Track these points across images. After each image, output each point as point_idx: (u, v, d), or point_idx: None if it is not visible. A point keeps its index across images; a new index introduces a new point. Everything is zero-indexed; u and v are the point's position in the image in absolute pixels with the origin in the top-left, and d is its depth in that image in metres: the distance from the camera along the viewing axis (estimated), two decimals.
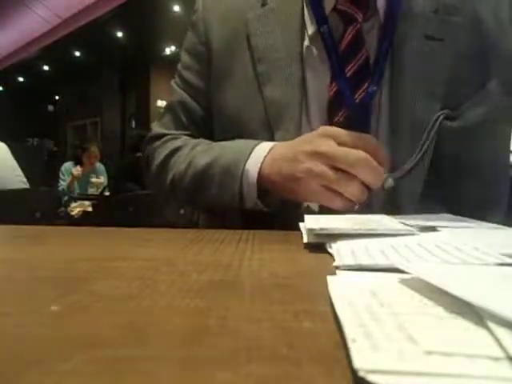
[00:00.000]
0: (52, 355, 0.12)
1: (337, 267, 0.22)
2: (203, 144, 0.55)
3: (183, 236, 0.36)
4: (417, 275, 0.17)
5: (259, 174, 0.46)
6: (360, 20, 0.50)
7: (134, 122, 6.89)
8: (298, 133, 0.50)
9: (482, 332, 0.12)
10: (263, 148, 0.47)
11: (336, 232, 0.28)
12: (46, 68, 7.63)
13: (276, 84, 0.52)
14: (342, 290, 0.17)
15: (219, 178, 0.49)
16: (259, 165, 0.46)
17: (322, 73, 0.52)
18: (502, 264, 0.21)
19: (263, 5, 0.55)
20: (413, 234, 0.29)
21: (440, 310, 0.14)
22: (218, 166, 0.49)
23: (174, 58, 6.50)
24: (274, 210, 0.48)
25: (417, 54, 0.50)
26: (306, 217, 0.34)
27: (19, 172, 1.74)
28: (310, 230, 0.29)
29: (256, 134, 0.52)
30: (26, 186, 1.75)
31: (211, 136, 0.59)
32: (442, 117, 0.49)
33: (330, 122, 0.50)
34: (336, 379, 0.11)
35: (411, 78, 0.50)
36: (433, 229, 0.31)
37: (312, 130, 0.48)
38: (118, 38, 6.15)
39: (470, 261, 0.21)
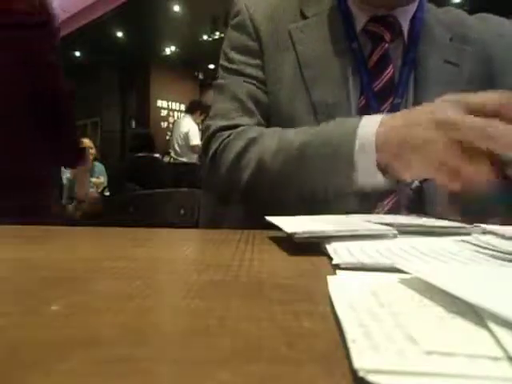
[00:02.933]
0: (52, 355, 0.12)
1: (337, 265, 0.22)
2: (286, 129, 0.52)
3: (183, 236, 0.36)
4: (417, 275, 0.17)
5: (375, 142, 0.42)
6: (388, 40, 0.56)
7: (133, 122, 6.89)
8: None
9: (483, 332, 0.12)
10: (372, 118, 0.44)
11: (320, 235, 0.28)
12: None
13: (323, 90, 0.56)
14: (342, 290, 0.17)
15: (325, 151, 0.45)
16: (375, 130, 0.42)
17: (353, 85, 0.56)
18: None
19: (304, 18, 0.60)
20: (395, 236, 0.30)
21: (440, 310, 0.14)
22: (321, 142, 0.45)
23: (174, 58, 6.51)
24: (388, 187, 0.44)
25: (437, 72, 0.55)
26: (272, 219, 0.34)
27: None
28: (291, 234, 0.29)
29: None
30: None
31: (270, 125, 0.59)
32: None
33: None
34: (336, 379, 0.11)
35: (434, 94, 0.52)
36: (410, 227, 0.32)
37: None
38: (117, 37, 6.15)
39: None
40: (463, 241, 0.27)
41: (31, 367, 0.11)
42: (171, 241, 0.34)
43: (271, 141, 0.51)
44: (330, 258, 0.24)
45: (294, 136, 0.49)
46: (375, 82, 0.55)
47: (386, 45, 0.56)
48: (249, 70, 0.61)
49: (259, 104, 0.59)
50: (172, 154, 3.79)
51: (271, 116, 0.59)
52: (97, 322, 0.15)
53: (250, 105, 0.59)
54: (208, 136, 0.59)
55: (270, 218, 0.36)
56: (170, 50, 6.42)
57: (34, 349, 0.12)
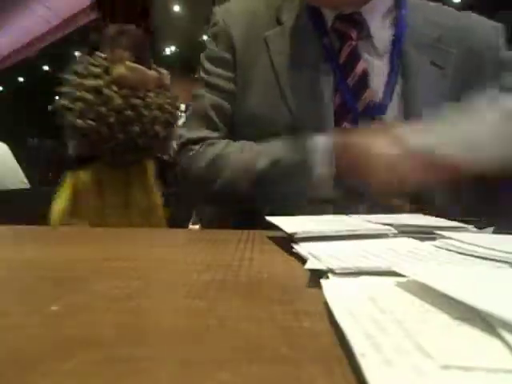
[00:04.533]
0: (52, 355, 0.12)
1: (331, 270, 0.21)
2: (249, 145, 0.58)
3: (183, 236, 0.36)
4: (415, 278, 0.16)
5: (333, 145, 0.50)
6: (354, 38, 0.57)
7: None
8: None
9: (495, 341, 0.12)
10: (326, 144, 0.51)
11: (319, 235, 0.28)
12: (45, 68, 7.62)
13: (298, 97, 0.57)
14: (339, 295, 0.16)
15: (288, 173, 0.52)
16: (331, 137, 0.50)
17: (327, 83, 0.57)
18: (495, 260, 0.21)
19: (279, 23, 0.60)
20: (395, 236, 0.29)
21: (444, 317, 0.14)
22: (281, 165, 0.52)
23: (174, 58, 6.50)
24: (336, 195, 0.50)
25: (425, 76, 0.56)
26: (272, 219, 0.35)
27: (20, 172, 1.74)
28: (291, 234, 0.29)
29: (279, 136, 0.55)
30: (27, 186, 1.75)
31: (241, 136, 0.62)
32: None
33: (337, 127, 0.55)
34: (336, 379, 0.11)
35: (421, 97, 0.55)
36: (409, 227, 0.32)
37: (324, 134, 0.53)
38: None
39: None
40: (435, 246, 0.27)
41: (31, 367, 0.11)
42: (172, 241, 0.34)
43: (234, 164, 0.56)
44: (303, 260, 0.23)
45: (255, 162, 0.54)
46: (348, 77, 0.56)
47: (354, 43, 0.57)
48: (220, 82, 0.63)
49: (225, 117, 0.62)
50: (171, 153, 3.79)
51: (246, 123, 0.60)
52: (97, 322, 0.15)
53: (215, 118, 0.62)
54: (178, 146, 0.65)
55: (270, 218, 0.36)
56: (169, 50, 6.41)
57: (34, 349, 0.12)
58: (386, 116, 0.55)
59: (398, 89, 0.56)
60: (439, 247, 0.26)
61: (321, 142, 0.51)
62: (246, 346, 0.12)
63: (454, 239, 0.27)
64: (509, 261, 0.21)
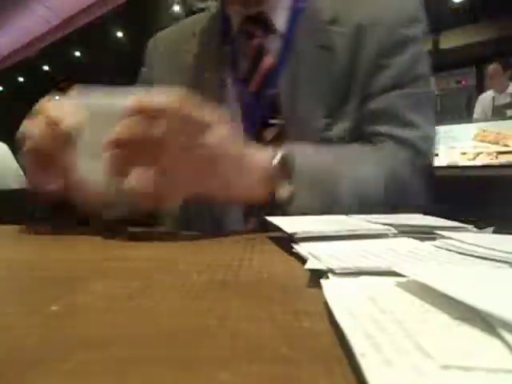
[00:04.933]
0: (52, 355, 0.12)
1: (331, 270, 0.21)
2: None
3: (183, 236, 0.36)
4: (415, 278, 0.16)
5: None
6: (260, 36, 0.58)
7: None
8: None
9: (495, 341, 0.12)
10: None
11: (319, 235, 0.28)
12: (46, 68, 7.63)
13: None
14: (339, 295, 0.16)
15: None
16: None
17: (232, 89, 0.59)
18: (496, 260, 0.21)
19: (193, 36, 0.65)
20: (395, 236, 0.29)
21: (444, 317, 0.14)
22: None
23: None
24: None
25: (311, 63, 0.56)
26: (272, 219, 0.35)
27: (20, 172, 1.74)
28: (291, 234, 0.29)
29: None
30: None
31: None
32: (323, 125, 0.55)
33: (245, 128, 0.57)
34: (336, 379, 0.11)
35: (305, 86, 0.56)
36: (410, 227, 0.32)
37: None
38: (118, 37, 6.15)
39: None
40: (435, 246, 0.27)
41: (31, 367, 0.11)
42: (171, 241, 0.34)
43: None
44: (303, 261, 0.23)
45: None
46: (253, 77, 0.57)
47: (258, 40, 0.58)
48: None
49: None
50: None
51: None
52: (97, 322, 0.15)
53: None
54: None
55: (270, 218, 0.36)
56: None
57: (34, 349, 0.12)
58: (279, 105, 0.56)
59: (285, 75, 0.57)
60: (439, 247, 0.26)
61: None
62: (246, 346, 0.12)
63: (454, 239, 0.27)
64: (509, 261, 0.21)
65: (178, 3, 4.97)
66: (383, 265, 0.21)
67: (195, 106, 0.34)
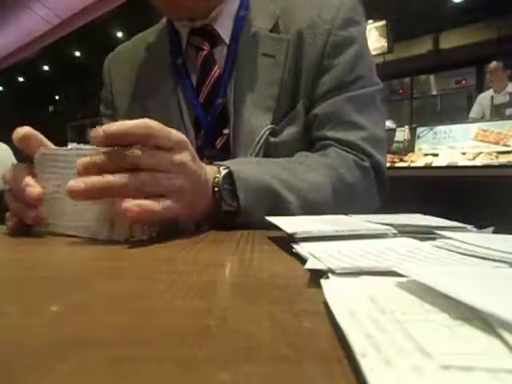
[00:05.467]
0: (52, 355, 0.12)
1: (331, 270, 0.21)
2: None
3: (183, 236, 0.36)
4: (415, 278, 0.16)
5: None
6: (207, 48, 0.59)
7: None
8: None
9: (495, 341, 0.12)
10: None
11: (319, 235, 0.28)
12: (46, 68, 7.63)
13: (157, 114, 0.59)
14: (339, 295, 0.16)
15: None
16: None
17: (183, 101, 0.61)
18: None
19: (147, 49, 0.66)
20: (395, 236, 0.29)
21: (445, 317, 0.14)
22: None
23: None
24: None
25: (255, 70, 0.57)
26: (272, 219, 0.35)
27: None
28: (291, 234, 0.29)
29: None
30: None
31: None
32: (267, 132, 0.55)
33: (196, 137, 0.59)
34: (336, 379, 0.11)
35: (250, 93, 0.57)
36: (410, 227, 0.32)
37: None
38: (117, 38, 6.15)
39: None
40: (435, 246, 0.27)
41: (31, 367, 0.11)
42: (171, 241, 0.34)
43: None
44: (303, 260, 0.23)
45: None
46: (202, 88, 0.59)
47: (205, 51, 0.59)
48: (105, 121, 0.73)
49: None
50: None
51: None
52: (97, 322, 0.15)
53: None
54: None
55: (269, 218, 0.36)
56: None
57: (34, 349, 0.12)
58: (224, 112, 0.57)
59: (231, 84, 0.58)
60: (439, 247, 0.26)
61: None
62: (246, 346, 0.12)
63: (454, 239, 0.27)
64: (508, 261, 0.21)
65: None
66: (383, 265, 0.21)
67: (160, 130, 0.34)
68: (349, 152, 0.54)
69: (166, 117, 0.58)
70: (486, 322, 0.13)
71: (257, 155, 0.55)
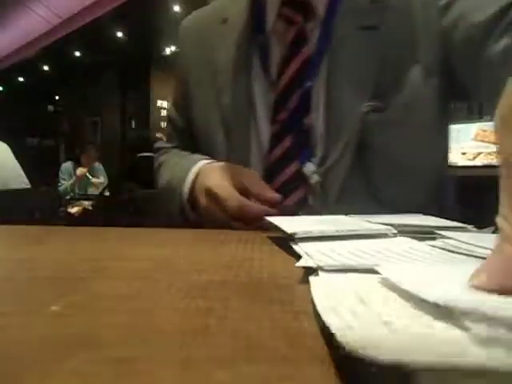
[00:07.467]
0: (52, 355, 0.12)
1: (320, 267, 0.21)
2: (174, 159, 0.65)
3: (183, 236, 0.36)
4: (388, 277, 0.16)
5: (190, 194, 0.54)
6: (300, 21, 0.54)
7: (133, 123, 6.89)
8: (247, 136, 0.56)
9: (462, 335, 0.12)
10: (194, 171, 0.55)
11: (319, 235, 0.28)
12: (46, 68, 7.63)
13: (228, 93, 0.57)
14: (326, 292, 0.16)
15: (170, 196, 0.58)
16: (189, 186, 0.54)
17: (265, 79, 0.57)
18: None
19: (224, 22, 0.61)
20: (395, 236, 0.30)
21: (423, 314, 0.14)
22: (170, 186, 0.58)
23: (174, 58, 6.51)
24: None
25: (352, 48, 0.51)
26: (272, 219, 0.35)
27: (21, 172, 1.74)
28: (291, 235, 0.29)
29: (215, 140, 0.58)
30: (28, 186, 1.75)
31: (195, 144, 0.65)
32: (367, 109, 0.49)
33: (274, 120, 0.54)
34: (336, 379, 0.11)
35: (346, 73, 0.51)
36: (410, 227, 0.32)
37: (258, 131, 0.55)
38: (118, 37, 6.15)
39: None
40: (432, 246, 0.27)
41: (31, 367, 0.11)
42: (171, 241, 0.34)
43: (162, 173, 0.65)
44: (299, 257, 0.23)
45: (162, 179, 0.63)
46: (287, 68, 0.53)
47: (297, 26, 0.53)
48: (175, 94, 0.71)
49: (176, 128, 0.70)
50: None
51: (194, 130, 0.64)
52: (97, 322, 0.15)
53: (170, 129, 0.71)
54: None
55: (269, 218, 0.36)
56: (169, 50, 6.42)
57: (34, 349, 0.12)
58: (312, 95, 0.52)
59: (324, 64, 0.52)
60: (435, 247, 0.26)
61: (194, 168, 0.55)
62: (246, 346, 0.12)
63: (454, 239, 0.27)
64: None
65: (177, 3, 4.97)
66: (370, 263, 0.21)
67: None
68: None
69: (235, 102, 0.56)
70: (457, 318, 0.12)
71: (353, 136, 0.49)
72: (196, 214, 0.54)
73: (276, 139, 0.54)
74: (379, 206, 0.48)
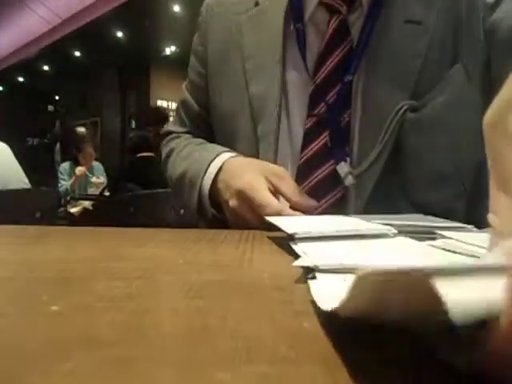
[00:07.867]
0: (52, 355, 0.12)
1: (316, 267, 0.21)
2: (188, 147, 0.61)
3: (183, 236, 0.36)
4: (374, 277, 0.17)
5: (211, 189, 0.51)
6: (344, 11, 0.50)
7: (133, 122, 6.89)
8: (277, 127, 0.52)
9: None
10: (216, 164, 0.51)
11: (319, 235, 0.29)
12: (46, 68, 7.63)
13: (259, 81, 0.54)
14: (325, 294, 0.16)
15: (187, 189, 0.55)
16: (210, 182, 0.51)
17: (302, 69, 0.53)
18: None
19: (256, 5, 0.57)
20: (396, 236, 0.30)
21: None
22: (186, 178, 0.55)
23: (174, 58, 6.51)
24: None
25: (396, 41, 0.49)
26: (272, 219, 0.35)
27: (21, 172, 1.74)
28: (291, 235, 0.29)
29: (240, 128, 0.55)
30: (28, 186, 1.75)
31: (211, 132, 0.61)
32: (404, 108, 0.47)
33: (310, 114, 0.51)
34: (336, 379, 0.11)
35: (385, 69, 0.49)
36: (410, 227, 0.32)
37: (290, 123, 0.52)
38: (118, 37, 6.15)
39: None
40: (432, 246, 0.27)
41: (31, 367, 0.11)
42: (171, 241, 0.34)
43: (172, 164, 0.61)
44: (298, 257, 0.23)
45: (178, 167, 0.59)
46: (328, 59, 0.50)
47: (342, 16, 0.50)
48: (192, 76, 0.65)
49: (190, 113, 0.65)
50: None
51: (215, 117, 0.60)
52: (97, 322, 0.15)
53: (183, 113, 0.67)
54: (160, 137, 0.71)
55: (269, 218, 0.36)
56: (169, 50, 6.41)
57: (34, 349, 0.12)
58: (353, 88, 0.50)
59: (365, 58, 0.50)
60: (436, 247, 0.26)
61: (216, 161, 0.51)
62: (246, 346, 0.12)
63: (455, 239, 0.27)
64: None
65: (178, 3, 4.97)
66: (366, 263, 0.21)
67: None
68: None
69: (268, 87, 0.52)
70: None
71: (389, 137, 0.47)
72: (217, 211, 0.51)
73: (311, 135, 0.51)
74: (414, 209, 0.45)
